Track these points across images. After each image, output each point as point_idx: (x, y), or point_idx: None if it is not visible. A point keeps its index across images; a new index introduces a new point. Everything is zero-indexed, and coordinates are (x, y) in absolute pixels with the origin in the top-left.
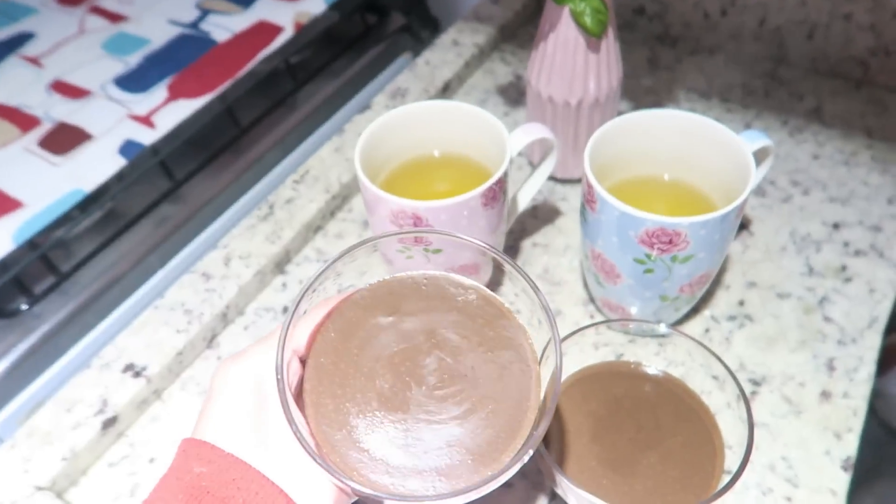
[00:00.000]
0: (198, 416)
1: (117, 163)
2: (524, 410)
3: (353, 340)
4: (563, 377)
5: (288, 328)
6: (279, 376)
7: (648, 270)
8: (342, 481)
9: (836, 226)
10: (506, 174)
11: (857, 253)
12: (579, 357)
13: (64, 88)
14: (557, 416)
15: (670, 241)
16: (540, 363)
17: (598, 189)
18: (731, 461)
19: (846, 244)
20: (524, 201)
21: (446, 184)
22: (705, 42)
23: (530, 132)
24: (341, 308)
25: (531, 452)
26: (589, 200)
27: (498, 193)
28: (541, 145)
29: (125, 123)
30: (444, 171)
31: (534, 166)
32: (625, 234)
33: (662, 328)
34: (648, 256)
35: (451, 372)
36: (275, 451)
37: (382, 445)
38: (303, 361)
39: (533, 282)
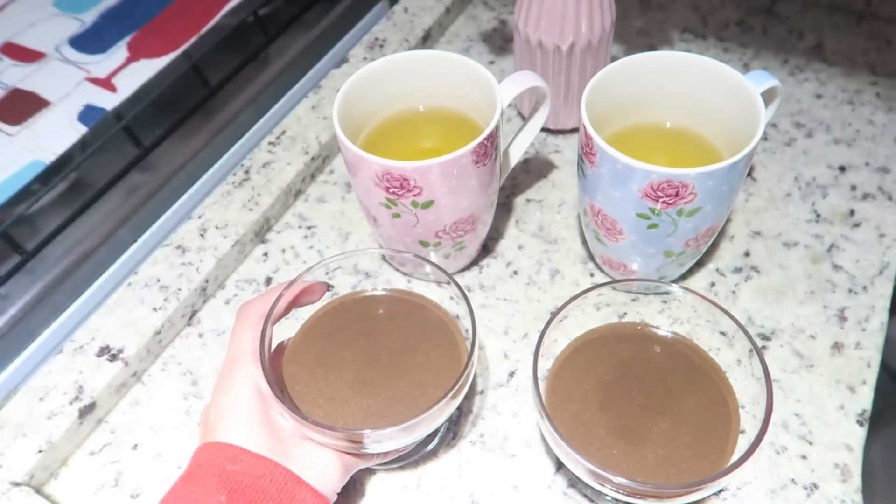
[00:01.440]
0: (210, 422)
1: (78, 130)
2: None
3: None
4: (566, 343)
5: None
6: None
7: (653, 226)
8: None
9: (842, 168)
10: (497, 128)
11: (865, 196)
12: (581, 319)
13: (15, 51)
14: (563, 385)
15: (676, 194)
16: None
17: (598, 140)
18: (746, 422)
19: (853, 188)
20: (516, 156)
21: (433, 140)
22: None
23: (520, 81)
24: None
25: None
26: (587, 153)
27: (489, 149)
28: (531, 95)
29: (84, 87)
30: (430, 126)
31: (524, 117)
32: (627, 187)
33: (668, 286)
34: (653, 211)
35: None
36: (287, 445)
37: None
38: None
39: (464, 295)
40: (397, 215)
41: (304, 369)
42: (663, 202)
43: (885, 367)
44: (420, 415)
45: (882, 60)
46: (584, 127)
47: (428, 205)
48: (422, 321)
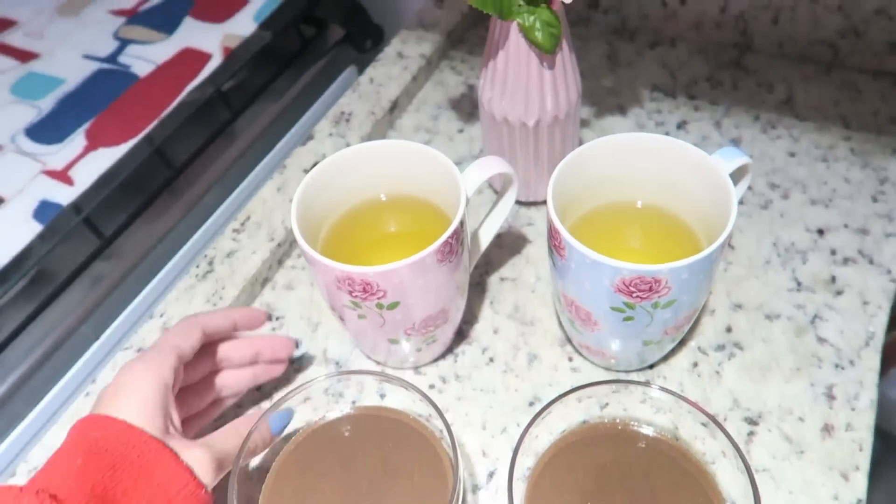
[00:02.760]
0: (102, 398)
1: (33, 229)
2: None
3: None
4: (545, 446)
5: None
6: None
7: (628, 318)
8: None
9: (820, 231)
10: (462, 222)
11: (846, 261)
12: (562, 411)
13: None
14: (542, 495)
15: (650, 289)
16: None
17: (566, 236)
18: None
19: (833, 252)
20: (486, 238)
21: (397, 229)
22: (665, 33)
23: (486, 168)
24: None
25: None
26: (556, 246)
27: (455, 246)
28: (499, 176)
29: (39, 181)
30: (394, 214)
31: (496, 191)
32: (599, 282)
33: (646, 388)
34: (627, 305)
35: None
36: (172, 438)
37: None
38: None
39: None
40: (362, 316)
41: None
42: (637, 296)
43: (877, 428)
44: None
45: (854, 112)
46: (551, 219)
47: (394, 306)
48: (401, 440)
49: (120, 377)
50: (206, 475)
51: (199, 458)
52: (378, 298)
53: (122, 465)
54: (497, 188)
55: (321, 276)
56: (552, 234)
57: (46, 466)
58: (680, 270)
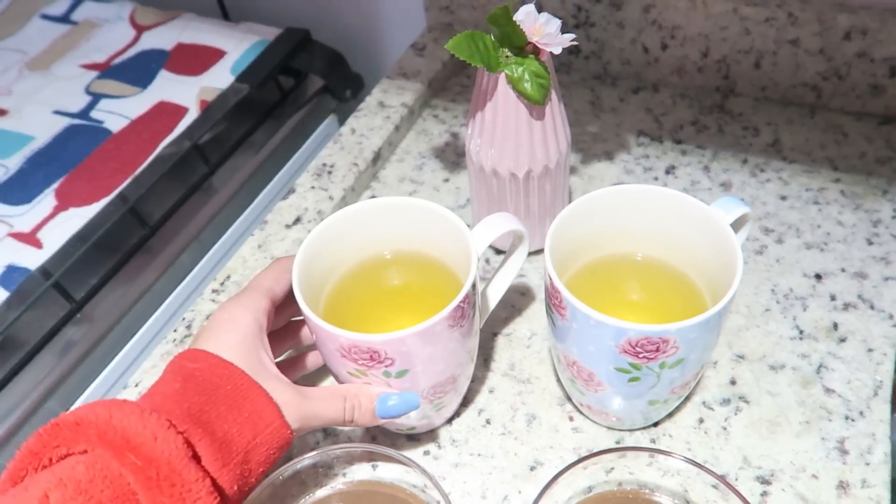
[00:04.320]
0: (198, 333)
1: None
2: None
3: None
4: None
5: None
6: None
7: (634, 379)
8: None
9: (818, 276)
10: (474, 285)
11: (847, 306)
12: (568, 479)
13: None
14: None
15: (657, 349)
16: None
17: (566, 295)
18: None
19: (833, 297)
20: (495, 298)
21: (403, 287)
22: (648, 78)
23: (496, 226)
24: None
25: None
26: (556, 305)
27: (467, 310)
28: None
29: (6, 244)
30: (399, 273)
31: (496, 249)
32: (603, 343)
33: (652, 455)
34: (633, 366)
35: None
36: (262, 374)
37: None
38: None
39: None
40: (368, 384)
41: None
42: (644, 357)
43: None
44: None
45: (841, 154)
46: (550, 279)
47: (402, 374)
48: None
49: (216, 315)
50: (290, 417)
51: (288, 401)
52: (385, 367)
53: (215, 394)
54: (499, 246)
55: (324, 344)
56: (551, 293)
57: (149, 392)
58: (689, 330)
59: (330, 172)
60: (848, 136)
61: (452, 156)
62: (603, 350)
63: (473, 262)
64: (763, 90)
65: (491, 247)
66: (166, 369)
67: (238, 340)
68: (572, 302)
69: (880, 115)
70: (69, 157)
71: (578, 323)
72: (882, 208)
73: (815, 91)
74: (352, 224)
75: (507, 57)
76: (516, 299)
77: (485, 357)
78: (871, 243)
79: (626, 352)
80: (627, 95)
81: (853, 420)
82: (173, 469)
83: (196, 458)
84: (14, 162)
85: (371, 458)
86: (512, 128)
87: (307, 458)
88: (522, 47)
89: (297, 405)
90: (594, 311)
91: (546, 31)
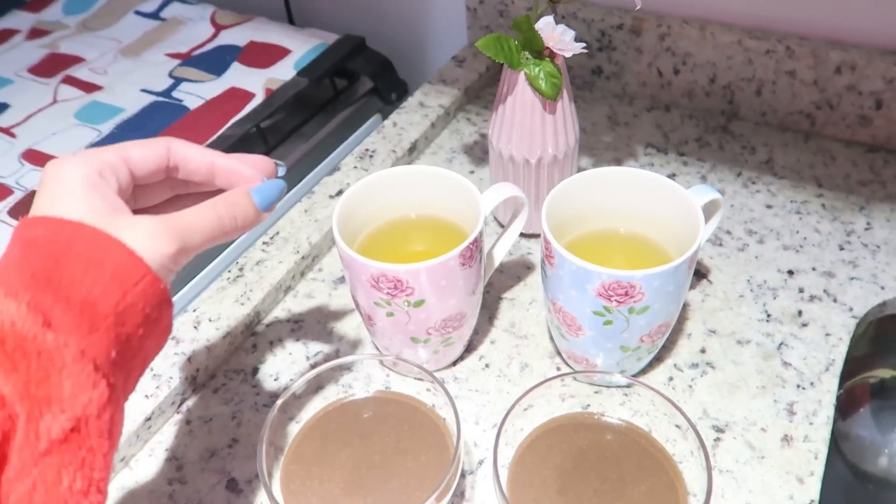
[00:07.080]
0: (33, 201)
1: None
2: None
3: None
4: (530, 430)
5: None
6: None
7: (607, 322)
8: None
9: (790, 272)
10: (481, 233)
11: (812, 298)
12: (546, 409)
13: (35, 157)
14: (524, 471)
15: (626, 294)
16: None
17: (555, 245)
18: None
19: (801, 290)
20: (499, 257)
21: (423, 244)
22: (661, 99)
23: (501, 191)
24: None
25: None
26: (548, 256)
27: (474, 252)
28: (510, 203)
29: None
30: (421, 232)
31: (501, 224)
32: (582, 287)
33: (624, 380)
34: (606, 309)
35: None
36: (117, 216)
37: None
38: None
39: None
40: (391, 314)
41: (302, 468)
42: (615, 300)
43: (847, 464)
44: None
45: (827, 174)
46: (544, 233)
47: (419, 304)
48: (415, 425)
49: (42, 175)
50: (161, 247)
51: (151, 227)
52: (406, 296)
53: (65, 257)
54: (502, 221)
55: (356, 275)
56: (545, 249)
57: None
58: (651, 277)
59: (371, 156)
60: (836, 160)
61: (479, 153)
62: (583, 294)
63: (482, 216)
64: (763, 115)
65: (498, 221)
66: (5, 247)
67: (74, 193)
68: (559, 251)
69: (868, 143)
70: (152, 127)
71: (564, 270)
72: (857, 221)
73: (809, 118)
74: (384, 185)
75: (526, 58)
76: (522, 271)
77: (490, 315)
78: (842, 249)
79: (600, 295)
80: (641, 112)
81: (804, 389)
82: (22, 338)
83: (51, 326)
84: (106, 128)
85: (386, 380)
86: (528, 119)
87: (348, 359)
88: (540, 51)
89: (164, 225)
90: (576, 258)
91: (561, 39)
